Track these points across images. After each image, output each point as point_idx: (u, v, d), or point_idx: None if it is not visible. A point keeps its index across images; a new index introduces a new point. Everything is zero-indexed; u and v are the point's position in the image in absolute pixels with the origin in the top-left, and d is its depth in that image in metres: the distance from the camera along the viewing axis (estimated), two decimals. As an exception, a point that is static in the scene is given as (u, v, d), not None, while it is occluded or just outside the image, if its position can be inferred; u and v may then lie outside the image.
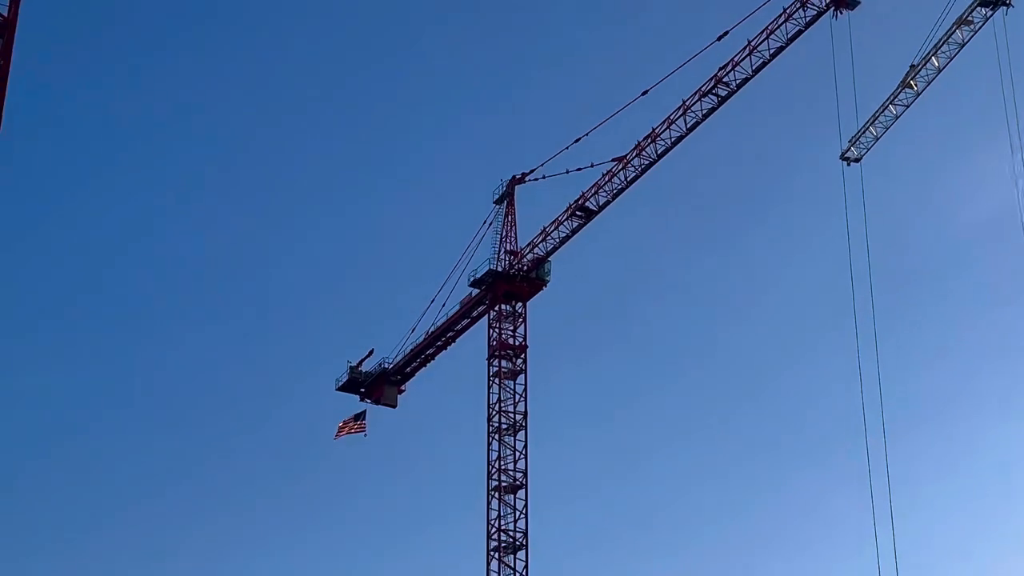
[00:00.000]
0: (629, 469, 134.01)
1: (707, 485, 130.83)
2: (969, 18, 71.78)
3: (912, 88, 75.42)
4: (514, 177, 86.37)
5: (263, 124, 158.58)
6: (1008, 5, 71.78)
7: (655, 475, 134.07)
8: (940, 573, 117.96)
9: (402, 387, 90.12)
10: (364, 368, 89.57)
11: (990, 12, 71.49)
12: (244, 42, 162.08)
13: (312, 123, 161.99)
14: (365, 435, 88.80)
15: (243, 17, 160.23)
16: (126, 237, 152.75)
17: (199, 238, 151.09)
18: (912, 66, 74.03)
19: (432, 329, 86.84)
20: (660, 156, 78.53)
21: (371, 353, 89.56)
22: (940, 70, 74.30)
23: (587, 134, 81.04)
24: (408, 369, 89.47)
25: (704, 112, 76.67)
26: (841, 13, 72.45)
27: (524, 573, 78.56)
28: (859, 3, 72.50)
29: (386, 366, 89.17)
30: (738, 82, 75.56)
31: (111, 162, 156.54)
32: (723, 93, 75.85)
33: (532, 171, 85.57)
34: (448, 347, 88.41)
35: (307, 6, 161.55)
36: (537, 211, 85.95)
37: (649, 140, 77.50)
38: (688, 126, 76.96)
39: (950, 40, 72.95)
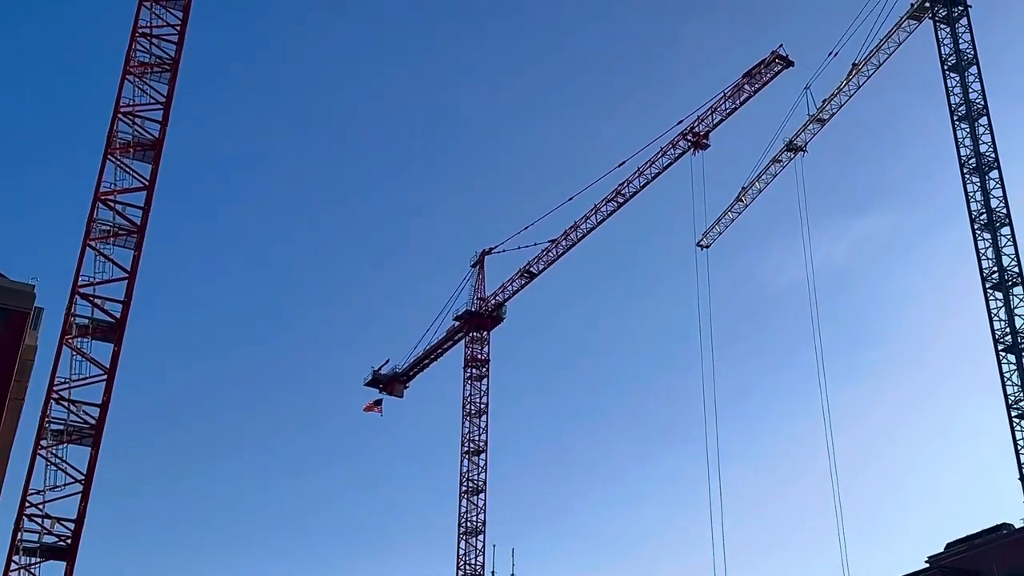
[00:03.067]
0: (555, 439, 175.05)
1: (601, 448, 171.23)
2: (779, 158, 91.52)
3: (743, 201, 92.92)
4: (484, 250, 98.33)
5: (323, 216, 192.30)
6: (804, 151, 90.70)
7: (570, 442, 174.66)
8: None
9: (407, 384, 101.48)
10: (383, 371, 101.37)
11: (792, 156, 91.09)
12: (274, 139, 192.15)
13: (358, 214, 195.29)
14: (381, 414, 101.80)
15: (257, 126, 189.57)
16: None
17: (285, 296, 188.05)
18: (743, 187, 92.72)
19: (428, 347, 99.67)
20: (579, 240, 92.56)
21: (387, 361, 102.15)
22: (760, 190, 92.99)
23: (533, 223, 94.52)
24: (411, 372, 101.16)
25: (608, 212, 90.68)
26: (697, 152, 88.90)
27: (484, 507, 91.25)
28: (710, 146, 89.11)
29: (397, 370, 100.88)
30: (631, 193, 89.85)
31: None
32: (621, 200, 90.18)
33: (496, 246, 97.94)
34: (438, 359, 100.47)
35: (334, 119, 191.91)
36: (498, 272, 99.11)
37: (572, 229, 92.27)
38: (598, 221, 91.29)
39: (767, 172, 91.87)
